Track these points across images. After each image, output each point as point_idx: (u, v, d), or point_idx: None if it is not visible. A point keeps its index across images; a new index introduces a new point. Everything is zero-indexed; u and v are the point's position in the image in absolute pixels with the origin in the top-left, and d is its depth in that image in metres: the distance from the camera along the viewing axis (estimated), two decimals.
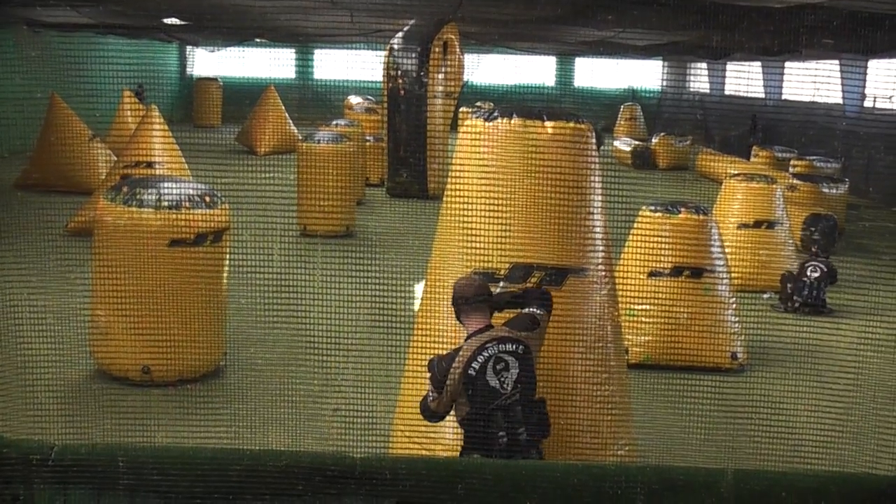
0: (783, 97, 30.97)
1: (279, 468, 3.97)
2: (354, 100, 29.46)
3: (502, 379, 5.57)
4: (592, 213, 6.73)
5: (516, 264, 6.44)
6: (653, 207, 10.62)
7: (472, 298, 5.80)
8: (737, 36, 19.51)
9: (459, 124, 7.42)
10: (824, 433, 6.69)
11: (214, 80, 36.72)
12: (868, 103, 26.04)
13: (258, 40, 30.40)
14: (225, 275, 9.54)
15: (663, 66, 39.35)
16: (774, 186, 15.05)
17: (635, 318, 10.22)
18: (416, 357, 6.88)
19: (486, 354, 5.62)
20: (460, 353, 5.71)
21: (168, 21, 24.61)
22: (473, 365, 5.64)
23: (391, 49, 21.32)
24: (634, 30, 21.96)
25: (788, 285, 13.22)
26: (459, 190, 6.71)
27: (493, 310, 5.91)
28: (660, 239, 10.41)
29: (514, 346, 5.59)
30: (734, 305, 10.73)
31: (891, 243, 18.05)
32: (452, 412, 5.78)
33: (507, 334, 5.65)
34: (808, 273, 13.05)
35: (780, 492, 4.07)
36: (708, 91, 36.12)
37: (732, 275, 11.15)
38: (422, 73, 20.82)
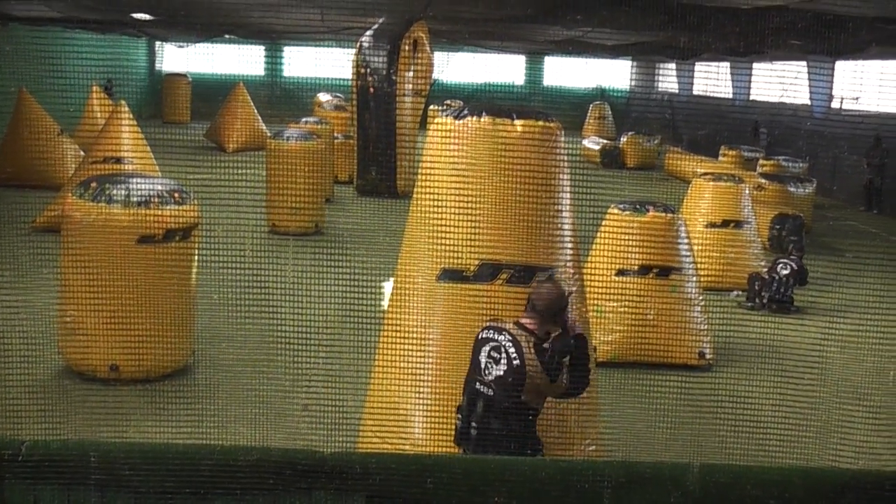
0: (750, 97, 31.20)
1: (250, 463, 3.98)
2: (324, 97, 29.43)
3: (488, 365, 5.62)
4: (561, 212, 6.77)
5: (485, 262, 6.47)
6: (621, 206, 10.67)
7: (545, 310, 5.75)
8: (704, 37, 19.63)
9: (428, 122, 7.43)
10: (789, 428, 6.78)
11: (184, 76, 36.56)
12: (835, 104, 26.26)
13: (228, 37, 30.28)
14: (194, 272, 9.52)
15: (632, 66, 39.54)
16: (742, 186, 15.16)
17: (603, 317, 10.27)
18: (384, 354, 6.91)
19: (495, 335, 5.68)
20: (501, 321, 5.82)
21: (137, 16, 24.49)
22: (483, 333, 5.75)
23: (360, 47, 21.31)
24: (603, 29, 22.05)
25: (756, 283, 13.34)
26: (429, 188, 6.74)
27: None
28: (628, 238, 10.45)
29: (515, 354, 5.57)
30: (702, 304, 10.81)
31: (854, 241, 18.22)
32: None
33: (522, 342, 5.61)
34: (779, 269, 13.19)
35: (745, 485, 4.12)
36: (676, 91, 36.32)
37: (700, 274, 11.23)
38: (391, 71, 20.82)
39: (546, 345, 5.65)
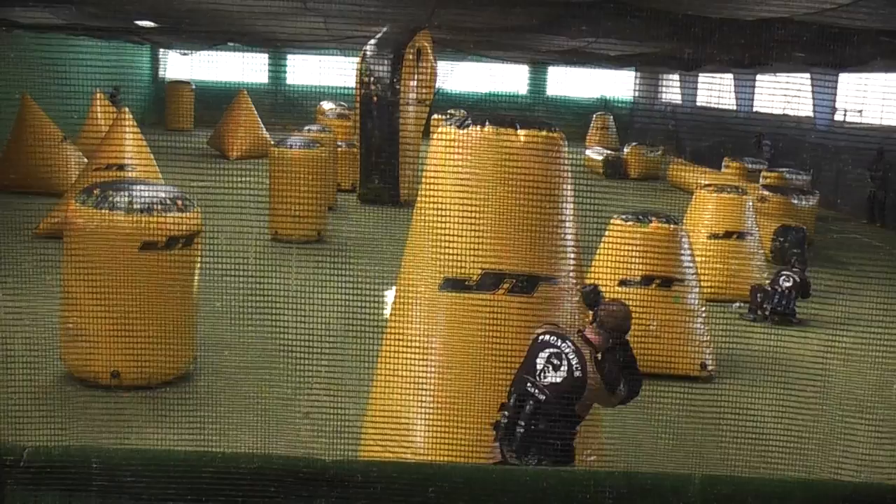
0: (754, 109, 31.20)
1: (251, 470, 3.97)
2: (327, 105, 29.45)
3: (545, 369, 5.60)
4: (564, 222, 6.77)
5: (487, 271, 6.47)
6: (624, 216, 10.67)
7: (614, 329, 5.76)
8: (708, 48, 19.63)
9: (432, 131, 7.43)
10: (791, 440, 6.76)
11: (187, 83, 36.58)
12: (839, 117, 26.26)
13: (231, 44, 30.30)
14: (196, 279, 9.52)
15: (636, 77, 39.55)
16: (745, 197, 15.15)
17: None
18: (386, 362, 6.90)
19: (558, 342, 5.67)
20: (564, 329, 5.85)
21: (141, 23, 24.51)
22: (546, 336, 5.73)
23: (364, 55, 21.33)
24: (607, 40, 22.07)
25: (759, 295, 13.33)
26: (432, 197, 6.74)
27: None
28: (630, 248, 10.45)
29: (578, 366, 5.58)
30: (704, 315, 10.79)
31: (857, 254, 18.20)
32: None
33: (586, 355, 5.62)
34: (781, 282, 13.18)
35: (746, 496, 4.11)
36: (680, 102, 36.33)
37: (702, 285, 11.21)
38: (395, 80, 20.83)
39: (598, 355, 5.67)
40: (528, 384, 5.61)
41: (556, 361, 5.60)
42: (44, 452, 4.02)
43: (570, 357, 5.58)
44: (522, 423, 5.54)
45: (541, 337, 5.76)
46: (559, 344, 5.65)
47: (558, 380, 5.55)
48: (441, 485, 4.03)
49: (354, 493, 3.98)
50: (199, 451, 4.10)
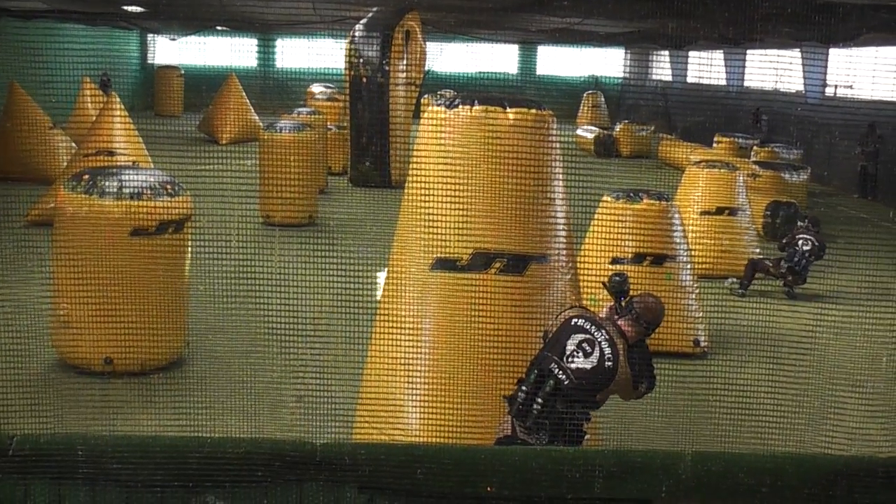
0: (745, 85, 31.17)
1: (239, 455, 3.96)
2: (316, 88, 29.36)
3: (574, 353, 5.57)
4: (554, 201, 6.76)
5: (477, 251, 6.46)
6: (615, 195, 10.65)
7: (649, 323, 5.80)
8: (692, 23, 19.56)
9: (421, 112, 7.41)
10: (783, 415, 6.77)
11: (175, 68, 36.45)
12: (829, 91, 26.23)
13: (220, 29, 30.17)
14: (187, 264, 9.50)
15: (625, 55, 39.49)
16: (736, 173, 15.14)
17: (598, 305, 10.24)
18: (378, 344, 6.90)
19: (592, 329, 5.65)
20: (593, 315, 5.83)
21: (128, 8, 24.40)
22: (580, 321, 5.70)
23: (353, 37, 21.26)
24: (592, 18, 22.00)
25: (768, 262, 13.43)
26: (421, 178, 6.73)
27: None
28: (622, 226, 10.44)
29: (611, 357, 5.56)
30: (696, 292, 10.79)
31: (846, 227, 18.20)
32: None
33: (619, 347, 5.62)
34: (800, 245, 13.23)
35: (737, 472, 4.12)
36: (670, 79, 36.30)
37: (695, 261, 11.21)
38: (384, 62, 20.77)
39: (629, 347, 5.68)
40: (553, 364, 5.57)
41: (587, 348, 5.57)
42: (31, 441, 4.00)
43: (604, 347, 5.56)
44: (540, 401, 5.52)
45: (574, 320, 5.73)
46: (593, 331, 5.63)
47: (587, 366, 5.53)
48: (430, 466, 4.03)
49: (343, 476, 3.97)
50: (185, 436, 4.09)
